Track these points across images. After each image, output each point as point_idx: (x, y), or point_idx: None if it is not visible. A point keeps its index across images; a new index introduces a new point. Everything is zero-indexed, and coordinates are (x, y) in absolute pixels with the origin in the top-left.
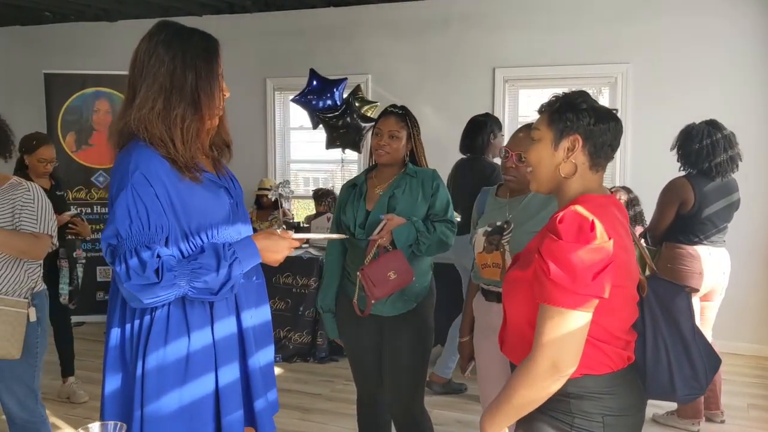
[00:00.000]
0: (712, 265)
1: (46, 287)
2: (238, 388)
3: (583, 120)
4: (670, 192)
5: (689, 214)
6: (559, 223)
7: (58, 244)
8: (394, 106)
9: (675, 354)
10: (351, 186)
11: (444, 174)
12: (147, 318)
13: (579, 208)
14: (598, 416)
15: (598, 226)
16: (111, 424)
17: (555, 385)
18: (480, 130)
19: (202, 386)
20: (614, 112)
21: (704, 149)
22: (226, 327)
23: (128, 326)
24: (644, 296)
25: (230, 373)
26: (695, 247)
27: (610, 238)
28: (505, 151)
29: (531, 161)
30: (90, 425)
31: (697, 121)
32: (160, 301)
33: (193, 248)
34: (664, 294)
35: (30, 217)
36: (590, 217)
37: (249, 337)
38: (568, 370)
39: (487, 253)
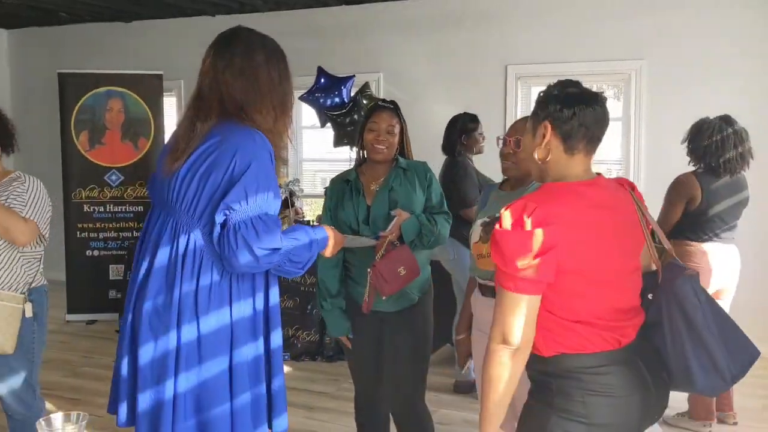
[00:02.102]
0: (721, 263)
1: (46, 283)
2: (261, 362)
3: (550, 107)
4: (677, 188)
5: (697, 211)
6: (504, 210)
7: (47, 241)
8: (383, 101)
9: (691, 342)
10: (344, 182)
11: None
12: (194, 284)
13: (529, 197)
14: (578, 395)
15: (535, 215)
16: (74, 414)
17: (513, 361)
18: (449, 129)
19: (246, 352)
20: (592, 97)
21: (713, 145)
22: (262, 300)
23: (176, 291)
24: (660, 284)
25: (264, 343)
26: (703, 244)
27: (548, 225)
28: (503, 140)
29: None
30: (52, 416)
31: (712, 117)
32: (270, 267)
33: None
34: (669, 278)
35: (19, 202)
36: (532, 205)
37: (274, 314)
38: (517, 343)
39: (483, 242)
